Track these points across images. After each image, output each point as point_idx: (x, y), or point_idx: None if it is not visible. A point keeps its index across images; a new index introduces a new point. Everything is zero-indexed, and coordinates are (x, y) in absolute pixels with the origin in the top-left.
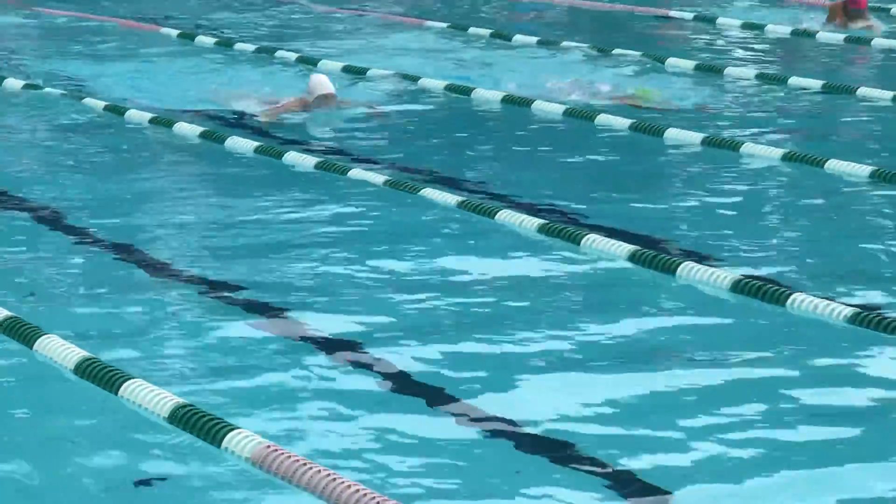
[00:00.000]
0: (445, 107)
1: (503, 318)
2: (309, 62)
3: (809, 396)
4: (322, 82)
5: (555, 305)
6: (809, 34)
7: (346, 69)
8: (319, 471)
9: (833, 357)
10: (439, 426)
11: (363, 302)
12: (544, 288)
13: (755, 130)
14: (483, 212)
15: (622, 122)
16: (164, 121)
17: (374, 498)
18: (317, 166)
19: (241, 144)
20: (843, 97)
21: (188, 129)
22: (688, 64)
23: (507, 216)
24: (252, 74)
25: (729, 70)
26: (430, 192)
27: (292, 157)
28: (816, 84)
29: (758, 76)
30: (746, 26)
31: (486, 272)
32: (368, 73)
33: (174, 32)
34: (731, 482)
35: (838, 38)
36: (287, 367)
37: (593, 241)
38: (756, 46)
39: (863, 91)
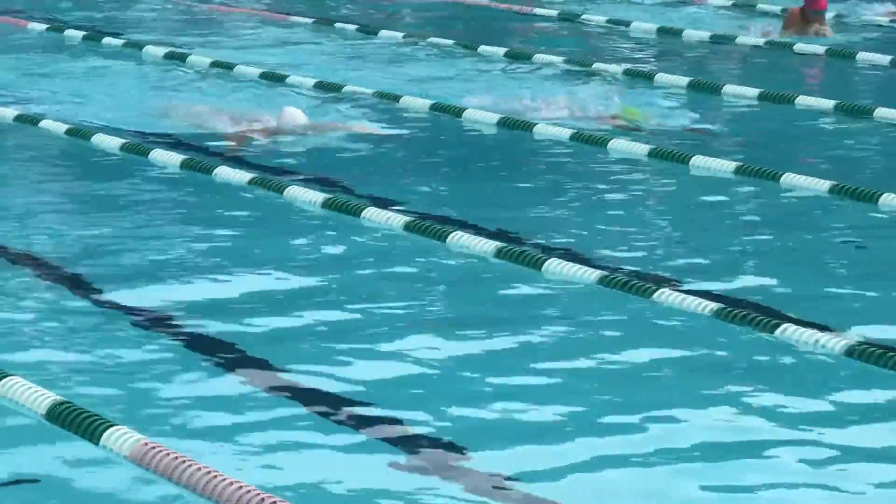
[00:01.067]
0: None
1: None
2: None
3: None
4: (294, 116)
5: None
6: (675, 32)
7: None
8: (199, 468)
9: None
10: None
11: (249, 307)
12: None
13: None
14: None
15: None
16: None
17: (258, 495)
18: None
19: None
20: (707, 95)
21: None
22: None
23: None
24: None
25: (596, 65)
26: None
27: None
28: (683, 80)
29: (625, 72)
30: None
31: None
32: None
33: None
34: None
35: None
36: (171, 370)
37: (460, 237)
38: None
39: (730, 89)
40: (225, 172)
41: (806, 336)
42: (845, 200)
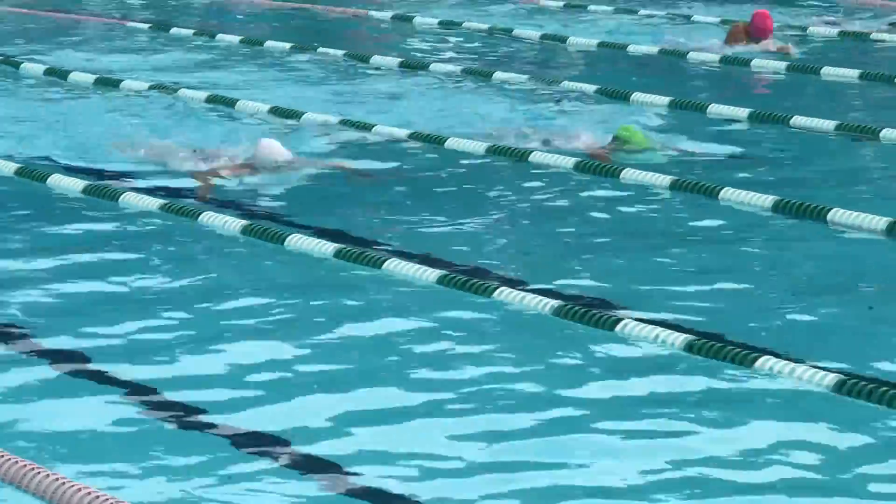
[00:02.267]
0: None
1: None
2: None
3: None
4: (273, 150)
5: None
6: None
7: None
8: (48, 475)
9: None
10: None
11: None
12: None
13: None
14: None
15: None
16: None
17: (107, 500)
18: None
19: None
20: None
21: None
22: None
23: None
24: None
25: (434, 66)
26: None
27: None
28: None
29: (463, 70)
30: (444, 23)
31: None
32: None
33: None
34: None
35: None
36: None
37: (298, 240)
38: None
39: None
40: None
41: (645, 331)
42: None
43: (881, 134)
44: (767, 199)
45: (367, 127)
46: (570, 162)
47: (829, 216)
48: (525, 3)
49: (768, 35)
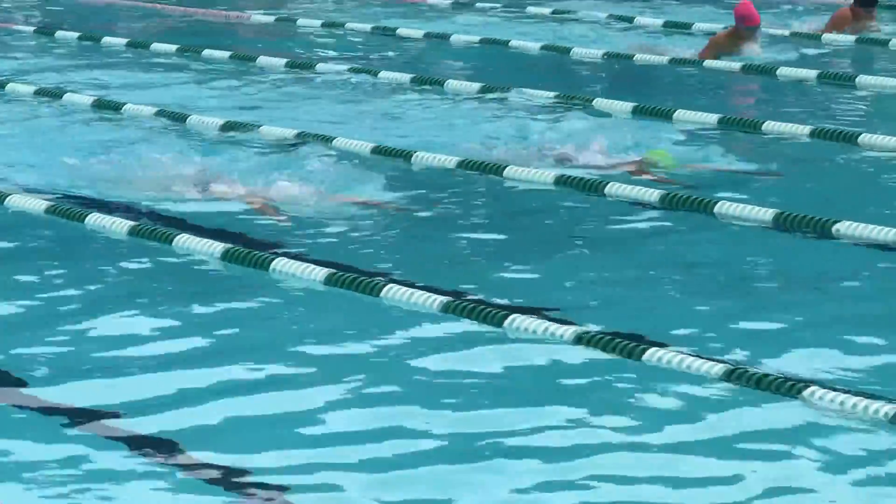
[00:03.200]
0: None
1: None
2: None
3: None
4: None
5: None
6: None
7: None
8: None
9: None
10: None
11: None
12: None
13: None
14: None
15: None
16: None
17: None
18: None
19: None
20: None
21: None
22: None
23: None
24: None
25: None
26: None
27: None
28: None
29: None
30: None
31: None
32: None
33: None
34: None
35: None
36: None
37: (185, 240)
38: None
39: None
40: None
41: (537, 326)
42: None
43: (763, 126)
44: (654, 193)
45: (327, 139)
46: (453, 161)
47: (716, 209)
48: (406, 0)
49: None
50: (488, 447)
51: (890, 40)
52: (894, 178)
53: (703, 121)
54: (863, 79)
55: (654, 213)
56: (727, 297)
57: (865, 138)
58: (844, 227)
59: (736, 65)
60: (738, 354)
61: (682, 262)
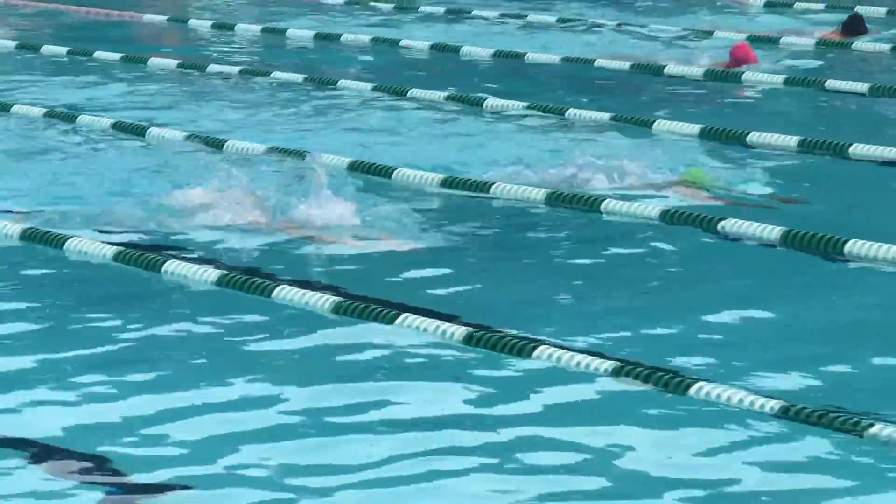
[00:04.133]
0: None
1: None
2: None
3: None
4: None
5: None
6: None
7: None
8: None
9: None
10: None
11: None
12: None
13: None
14: None
15: None
16: None
17: None
18: None
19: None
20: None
21: None
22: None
23: None
24: None
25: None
26: None
27: None
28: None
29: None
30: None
31: None
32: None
33: None
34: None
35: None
36: None
37: (77, 243)
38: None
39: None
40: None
41: (426, 324)
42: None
43: (654, 125)
44: (539, 192)
45: (300, 154)
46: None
47: (602, 206)
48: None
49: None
50: None
51: None
52: None
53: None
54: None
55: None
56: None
57: None
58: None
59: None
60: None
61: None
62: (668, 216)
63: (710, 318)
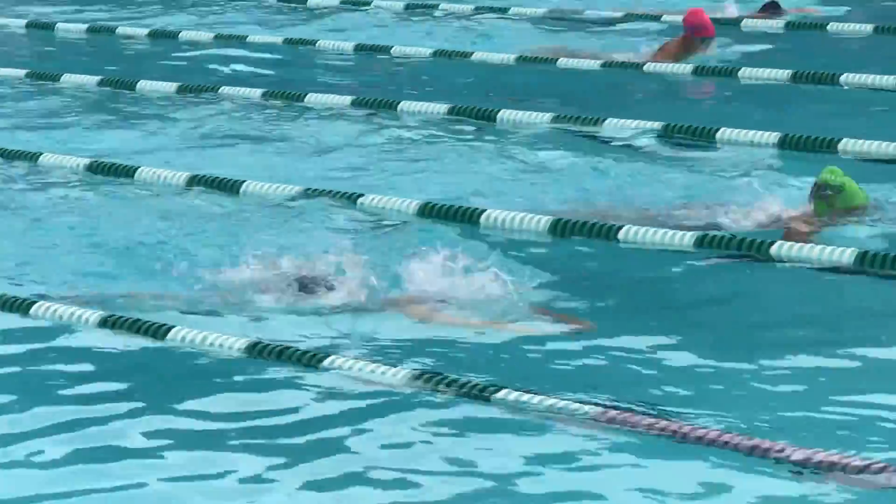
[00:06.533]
0: None
1: None
2: None
3: None
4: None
5: None
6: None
7: None
8: None
9: None
10: None
11: None
12: None
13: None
14: None
15: None
16: None
17: None
18: None
19: None
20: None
21: None
22: None
23: None
24: None
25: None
26: None
27: None
28: None
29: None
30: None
31: None
32: None
33: None
34: None
35: None
36: None
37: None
38: None
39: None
40: None
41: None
42: None
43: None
44: (413, 205)
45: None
46: None
47: (481, 219)
48: None
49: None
50: None
51: None
52: None
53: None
54: None
55: None
56: None
57: None
58: None
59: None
60: None
61: None
62: None
63: None
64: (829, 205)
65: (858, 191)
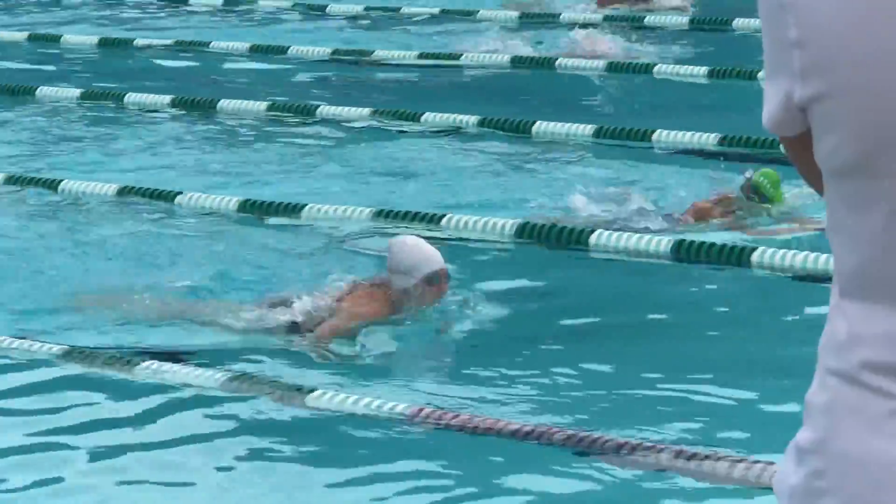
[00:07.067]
0: None
1: None
2: None
3: None
4: (428, 256)
5: None
6: None
7: None
8: None
9: None
10: None
11: None
12: None
13: None
14: None
15: None
16: None
17: None
18: None
19: None
20: None
21: None
22: None
23: None
24: None
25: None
26: None
27: None
28: None
29: None
30: None
31: None
32: None
33: None
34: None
35: None
36: None
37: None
38: None
39: None
40: None
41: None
42: None
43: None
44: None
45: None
46: None
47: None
48: None
49: None
50: None
51: None
52: None
53: None
54: None
55: None
56: None
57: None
58: None
59: None
60: None
61: None
62: None
63: None
64: (751, 204)
65: (783, 200)
